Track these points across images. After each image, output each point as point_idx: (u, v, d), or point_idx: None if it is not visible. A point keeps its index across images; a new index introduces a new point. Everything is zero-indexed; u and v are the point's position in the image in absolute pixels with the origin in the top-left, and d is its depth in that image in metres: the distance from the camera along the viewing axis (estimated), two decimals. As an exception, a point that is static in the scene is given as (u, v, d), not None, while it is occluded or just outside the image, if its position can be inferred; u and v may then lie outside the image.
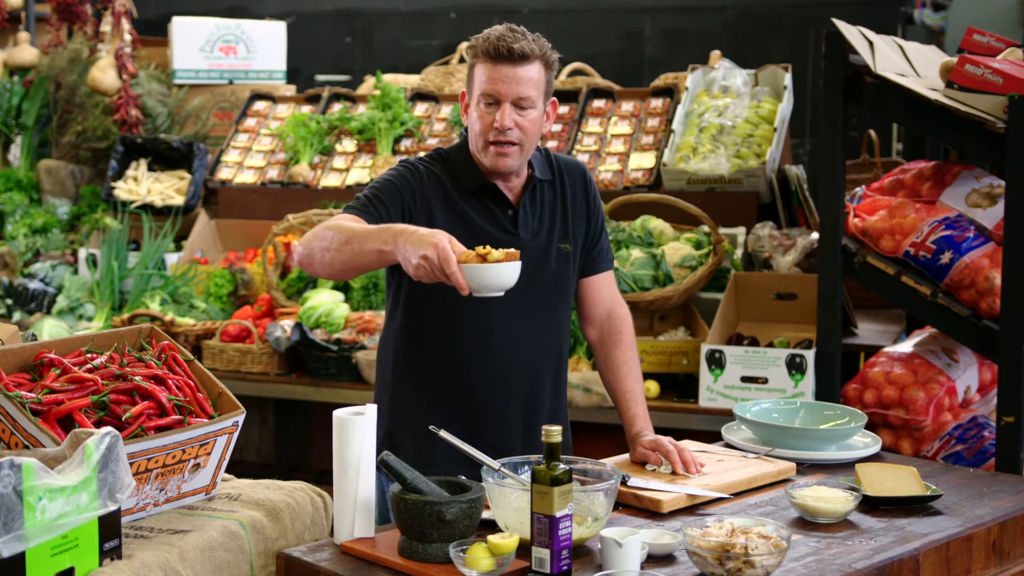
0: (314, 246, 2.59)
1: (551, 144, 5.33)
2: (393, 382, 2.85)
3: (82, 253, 5.49)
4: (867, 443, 2.93)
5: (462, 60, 5.96)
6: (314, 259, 2.60)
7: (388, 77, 6.00)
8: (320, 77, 9.56)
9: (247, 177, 5.79)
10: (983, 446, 3.59)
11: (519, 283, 2.49)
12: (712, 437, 3.01)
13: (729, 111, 5.00)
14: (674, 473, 2.66)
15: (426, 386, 2.80)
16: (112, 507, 2.03)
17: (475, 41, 2.73)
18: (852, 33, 3.62)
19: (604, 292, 2.95)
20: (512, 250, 2.39)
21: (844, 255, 3.72)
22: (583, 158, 5.16)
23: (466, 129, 2.82)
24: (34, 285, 5.41)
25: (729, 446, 2.91)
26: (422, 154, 2.88)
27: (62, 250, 5.70)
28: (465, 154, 2.81)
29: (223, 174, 5.85)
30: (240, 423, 2.41)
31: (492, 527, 2.32)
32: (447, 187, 2.76)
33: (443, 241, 2.37)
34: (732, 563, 2.11)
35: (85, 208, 5.99)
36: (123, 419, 2.29)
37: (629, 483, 2.56)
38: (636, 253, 4.34)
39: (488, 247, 2.37)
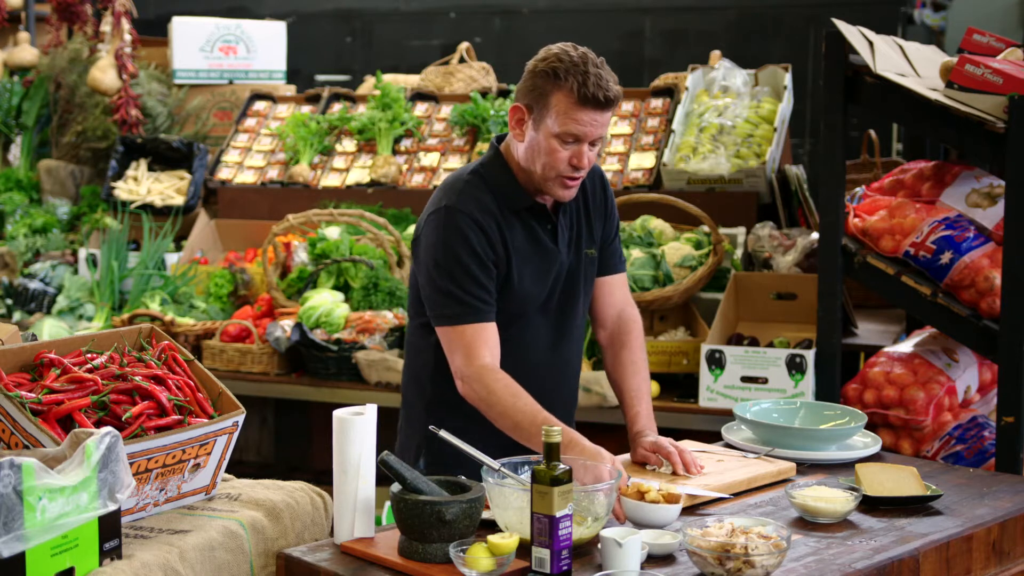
0: (485, 410, 2.65)
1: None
2: (432, 394, 2.85)
3: (82, 253, 5.49)
4: (867, 443, 2.93)
5: (462, 60, 5.96)
6: (488, 417, 2.65)
7: (388, 77, 6.00)
8: (320, 77, 9.55)
9: (247, 177, 5.79)
10: (983, 446, 3.59)
11: (558, 296, 2.70)
12: (712, 437, 3.01)
13: (729, 111, 5.00)
14: (674, 474, 2.66)
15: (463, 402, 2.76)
16: (112, 507, 2.03)
17: (557, 70, 2.62)
18: (852, 33, 3.62)
19: (616, 293, 2.95)
20: (673, 491, 2.39)
21: (844, 255, 3.72)
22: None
23: (498, 139, 2.81)
24: (34, 285, 5.41)
25: (729, 446, 2.91)
26: (466, 176, 2.77)
27: (62, 250, 5.70)
28: (506, 173, 2.76)
29: (223, 174, 5.85)
30: (240, 423, 2.41)
31: (492, 527, 2.32)
32: (494, 210, 2.73)
33: (608, 472, 2.39)
34: (732, 563, 2.11)
35: (85, 208, 5.99)
36: (123, 419, 2.29)
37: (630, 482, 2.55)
38: (636, 253, 4.34)
39: (649, 486, 2.39)
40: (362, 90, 6.24)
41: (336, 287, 4.87)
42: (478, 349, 2.66)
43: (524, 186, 2.75)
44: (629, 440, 2.81)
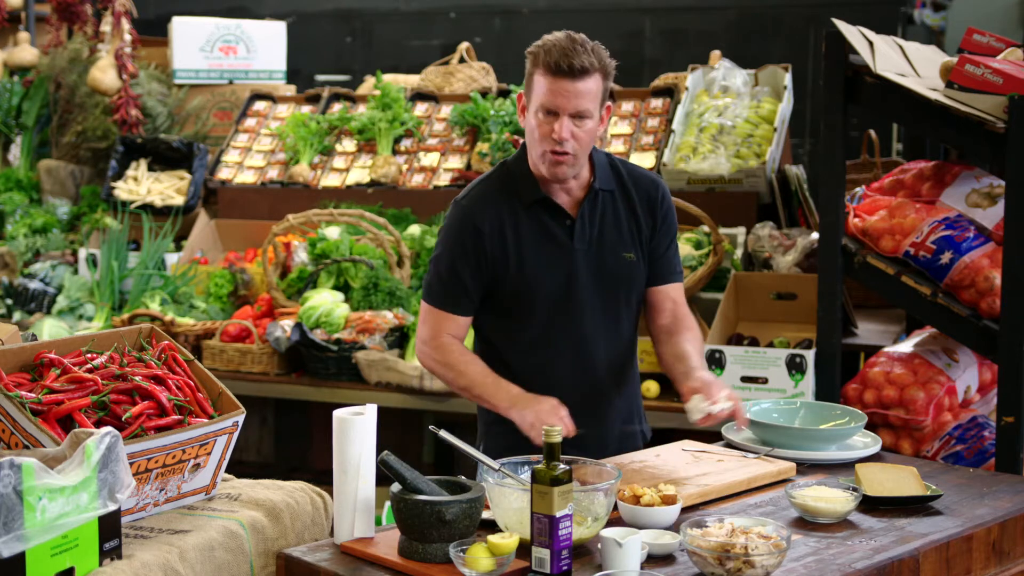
0: (441, 373, 2.93)
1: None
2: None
3: (82, 253, 5.49)
4: (867, 443, 2.93)
5: (462, 60, 5.96)
6: (442, 376, 2.95)
7: (388, 77, 6.00)
8: (320, 77, 9.55)
9: (247, 177, 5.79)
10: (983, 446, 3.59)
11: (585, 291, 2.83)
12: (712, 437, 3.01)
13: (729, 111, 5.00)
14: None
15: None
16: (112, 507, 2.03)
17: (536, 50, 2.78)
18: (852, 33, 3.62)
19: (667, 303, 3.00)
20: (670, 492, 2.42)
21: (844, 255, 3.72)
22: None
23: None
24: (34, 285, 5.41)
25: (730, 446, 2.91)
26: (494, 170, 2.97)
27: (62, 250, 5.70)
28: (524, 166, 2.89)
29: (223, 174, 5.85)
30: (240, 423, 2.41)
31: (492, 527, 2.32)
32: (507, 204, 2.87)
33: (549, 414, 2.71)
34: (732, 563, 2.11)
35: (85, 208, 5.99)
36: (123, 419, 2.29)
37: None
38: (636, 253, 4.34)
39: (644, 490, 2.41)
40: (362, 90, 6.24)
41: (336, 287, 4.87)
42: (442, 332, 2.90)
43: (539, 180, 2.87)
44: (678, 374, 2.87)
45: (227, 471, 2.50)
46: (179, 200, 5.71)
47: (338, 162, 5.67)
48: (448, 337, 2.90)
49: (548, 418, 2.69)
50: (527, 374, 2.88)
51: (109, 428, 2.06)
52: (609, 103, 2.86)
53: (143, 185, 5.83)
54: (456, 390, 2.92)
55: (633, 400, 3.06)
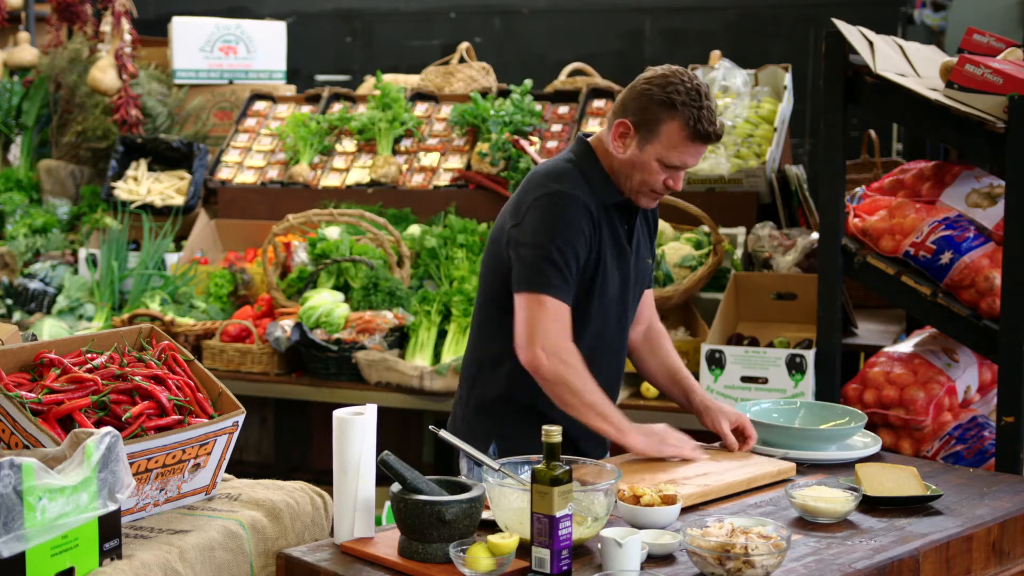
0: (555, 389, 2.72)
1: (551, 144, 5.33)
2: (508, 382, 2.88)
3: (82, 253, 5.49)
4: (867, 443, 2.93)
5: (462, 60, 5.95)
6: (552, 394, 2.74)
7: (388, 77, 6.00)
8: (320, 77, 9.55)
9: (247, 177, 5.79)
10: (983, 446, 3.59)
11: (629, 295, 2.88)
12: (712, 437, 3.01)
13: (729, 111, 5.00)
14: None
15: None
16: (112, 507, 2.03)
17: (676, 99, 2.70)
18: (852, 33, 3.62)
19: (646, 309, 3.08)
20: (670, 492, 2.43)
21: (844, 255, 3.72)
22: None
23: (585, 135, 2.90)
24: (34, 285, 5.41)
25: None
26: (563, 165, 2.85)
27: (62, 250, 5.70)
28: (599, 169, 2.84)
29: (223, 174, 5.85)
30: (240, 423, 2.41)
31: (492, 527, 2.32)
32: (593, 204, 2.80)
33: (672, 444, 2.77)
34: (732, 563, 2.11)
35: (85, 208, 5.99)
36: (123, 419, 2.29)
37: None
38: (636, 253, 4.34)
39: (644, 489, 2.43)
40: (362, 90, 6.24)
41: (336, 287, 4.87)
42: (565, 327, 2.72)
43: (615, 184, 2.85)
44: (695, 408, 2.95)
45: (227, 471, 2.50)
46: (179, 200, 5.71)
47: (338, 162, 5.67)
48: (571, 342, 2.73)
49: (671, 441, 2.76)
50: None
51: (109, 428, 2.06)
52: None
53: (143, 185, 5.83)
54: (579, 405, 2.72)
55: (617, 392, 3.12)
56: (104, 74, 6.04)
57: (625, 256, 2.88)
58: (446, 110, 5.70)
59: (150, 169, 5.96)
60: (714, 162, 4.80)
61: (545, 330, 2.70)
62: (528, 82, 5.57)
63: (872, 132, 5.11)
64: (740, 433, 2.87)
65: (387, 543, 2.29)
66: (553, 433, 2.13)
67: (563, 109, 5.48)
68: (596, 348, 2.86)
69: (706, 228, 4.49)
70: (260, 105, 6.15)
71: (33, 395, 2.24)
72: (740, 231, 4.65)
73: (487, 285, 2.90)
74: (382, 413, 2.47)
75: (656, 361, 3.06)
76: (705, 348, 4.02)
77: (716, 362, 4.00)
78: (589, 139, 2.89)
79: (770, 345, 4.12)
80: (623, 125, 2.76)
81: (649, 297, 3.08)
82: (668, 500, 2.39)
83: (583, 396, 2.70)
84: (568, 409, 2.72)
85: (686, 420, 4.02)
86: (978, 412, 3.74)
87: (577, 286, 2.77)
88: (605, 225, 2.81)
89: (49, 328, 4.90)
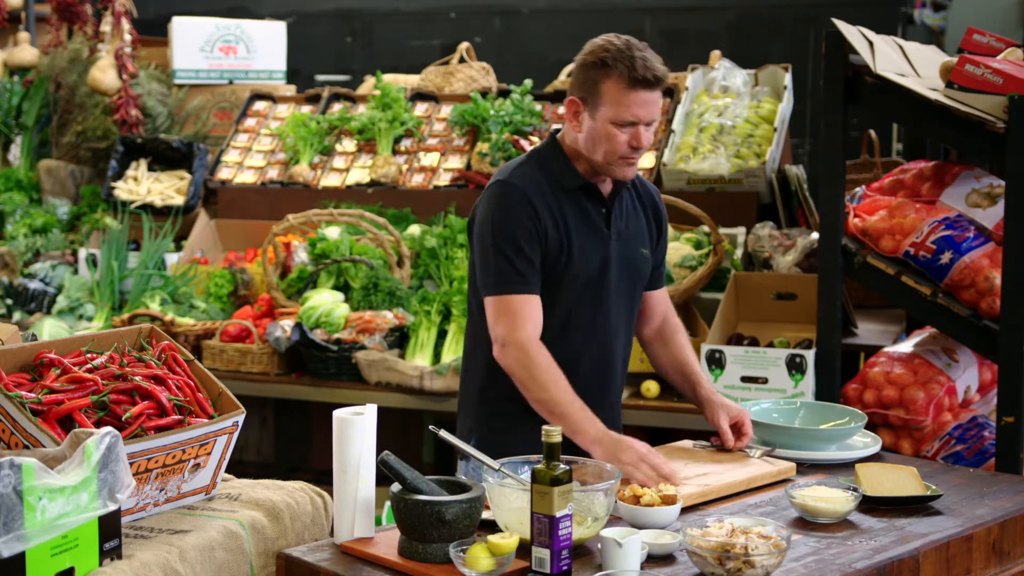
0: (522, 379, 2.74)
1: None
2: (486, 375, 2.91)
3: (82, 253, 5.49)
4: (867, 443, 2.93)
5: (462, 60, 5.95)
6: (524, 393, 2.76)
7: (388, 77, 6.00)
8: (320, 77, 9.55)
9: (247, 177, 5.79)
10: (983, 446, 3.59)
11: (614, 280, 2.84)
12: (712, 436, 3.01)
13: (729, 111, 5.00)
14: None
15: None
16: (112, 507, 2.03)
17: (604, 57, 2.75)
18: (852, 33, 3.62)
19: (660, 305, 3.09)
20: (670, 492, 2.43)
21: (844, 255, 3.72)
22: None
23: (555, 131, 2.94)
24: (34, 285, 5.41)
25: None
26: (523, 157, 2.93)
27: (62, 250, 5.70)
28: (560, 155, 2.88)
29: (223, 174, 5.85)
30: (240, 423, 2.41)
31: (492, 527, 2.32)
32: (545, 189, 2.84)
33: (638, 458, 2.59)
34: (732, 563, 2.11)
35: (85, 208, 5.99)
36: (123, 419, 2.29)
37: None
38: (636, 253, 4.34)
39: (644, 490, 2.43)
40: (362, 90, 6.24)
41: (336, 287, 4.87)
42: (523, 320, 2.75)
43: (577, 168, 2.86)
44: (698, 400, 2.93)
45: (227, 471, 2.50)
46: (179, 200, 5.71)
47: (338, 162, 5.67)
48: (533, 334, 2.75)
49: (641, 468, 2.58)
50: (565, 356, 2.84)
51: (109, 428, 2.06)
52: None
53: (143, 185, 5.83)
54: (532, 400, 2.74)
55: (617, 392, 3.09)
56: (104, 74, 6.04)
57: (602, 239, 2.87)
58: (446, 110, 5.70)
59: (150, 169, 5.96)
60: (714, 162, 4.80)
61: (498, 329, 2.77)
62: (528, 82, 5.57)
63: (872, 132, 5.11)
64: (737, 429, 2.86)
65: (387, 543, 2.29)
66: (553, 433, 2.13)
67: (563, 109, 5.48)
68: (572, 332, 2.86)
69: (706, 228, 4.49)
70: (260, 105, 6.15)
71: (33, 395, 2.24)
72: (740, 231, 4.65)
73: (471, 280, 2.95)
74: (382, 413, 2.47)
75: (667, 355, 3.06)
76: (705, 348, 4.02)
77: (716, 362, 4.00)
78: (557, 135, 2.94)
79: (770, 345, 4.12)
80: (572, 103, 2.81)
81: (662, 294, 3.09)
82: (668, 500, 2.39)
83: (538, 395, 2.72)
84: (542, 412, 2.73)
85: (687, 420, 4.03)
86: (978, 412, 3.74)
87: (543, 269, 2.81)
88: (569, 209, 2.84)
89: (49, 328, 4.90)
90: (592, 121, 2.78)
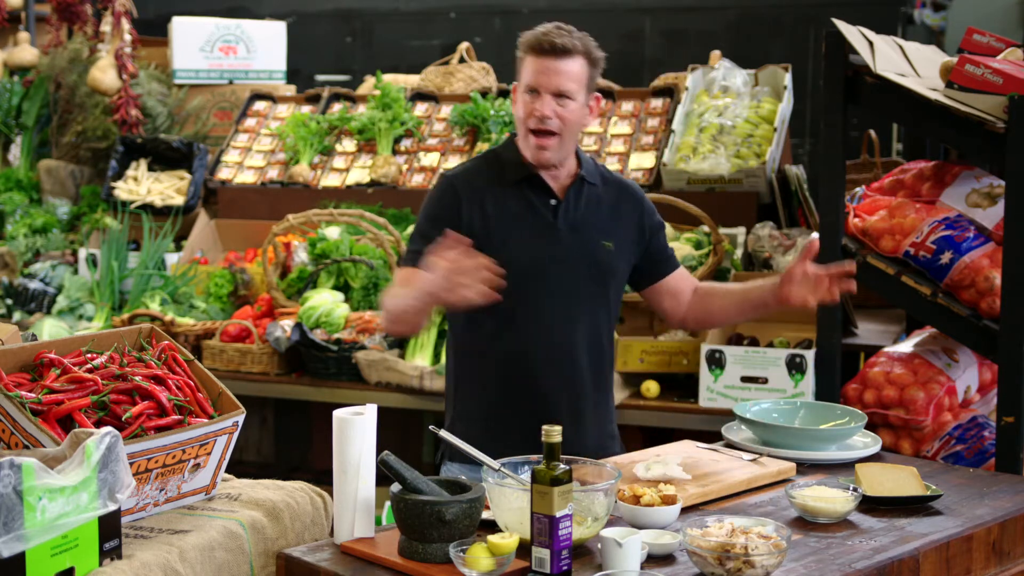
0: (385, 323, 2.93)
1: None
2: (456, 371, 3.04)
3: (82, 253, 5.49)
4: (867, 443, 2.93)
5: (462, 60, 5.95)
6: (392, 331, 2.98)
7: (388, 77, 6.00)
8: (320, 77, 9.55)
9: (247, 177, 5.79)
10: (983, 446, 3.59)
11: (566, 273, 2.87)
12: (712, 437, 3.01)
13: (729, 111, 5.00)
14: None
15: (482, 371, 2.97)
16: (112, 507, 2.03)
17: (524, 36, 2.91)
18: (852, 33, 3.62)
19: (683, 283, 3.10)
20: (670, 492, 2.43)
21: (844, 255, 3.72)
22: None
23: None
24: (34, 285, 5.41)
25: (730, 446, 2.91)
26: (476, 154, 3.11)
27: (62, 250, 5.70)
28: (513, 149, 2.97)
29: (223, 174, 5.85)
30: (240, 423, 2.41)
31: (492, 527, 2.32)
32: (484, 182, 2.94)
33: (436, 276, 2.64)
34: (732, 563, 2.11)
35: (85, 208, 5.99)
36: (123, 419, 2.29)
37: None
38: (636, 253, 4.34)
39: (644, 490, 2.42)
40: (362, 90, 6.24)
41: (336, 287, 4.87)
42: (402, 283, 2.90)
43: (524, 161, 2.94)
44: (773, 292, 2.93)
45: (227, 471, 2.50)
46: (179, 200, 5.71)
47: (338, 162, 5.67)
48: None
49: (444, 275, 2.63)
50: (502, 355, 2.92)
51: (109, 428, 2.06)
52: (598, 94, 2.96)
53: (143, 185, 5.83)
54: (393, 322, 2.88)
55: (611, 406, 3.09)
56: (104, 74, 6.04)
57: (547, 231, 2.91)
58: (446, 110, 5.70)
59: (150, 169, 5.96)
60: (714, 162, 4.80)
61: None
62: (528, 82, 5.56)
63: (872, 132, 5.11)
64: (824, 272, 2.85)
65: (387, 543, 2.29)
66: (553, 433, 2.14)
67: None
68: (519, 323, 2.91)
69: (706, 228, 4.49)
70: (260, 105, 6.16)
71: (33, 395, 2.24)
72: (740, 231, 4.65)
73: None
74: (382, 413, 2.47)
75: (717, 303, 3.05)
76: (705, 348, 4.02)
77: (716, 362, 4.01)
78: None
79: (770, 345, 4.12)
80: (514, 91, 2.94)
81: (681, 273, 3.11)
82: (668, 500, 2.39)
83: (391, 311, 2.85)
84: (396, 326, 2.89)
85: (687, 420, 4.03)
86: (978, 412, 3.74)
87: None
88: (511, 201, 2.91)
89: (49, 328, 4.90)
90: (517, 100, 2.91)
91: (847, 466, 2.79)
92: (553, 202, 2.93)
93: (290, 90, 6.56)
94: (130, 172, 5.91)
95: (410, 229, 5.07)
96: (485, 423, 2.93)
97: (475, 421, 2.96)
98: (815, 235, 4.31)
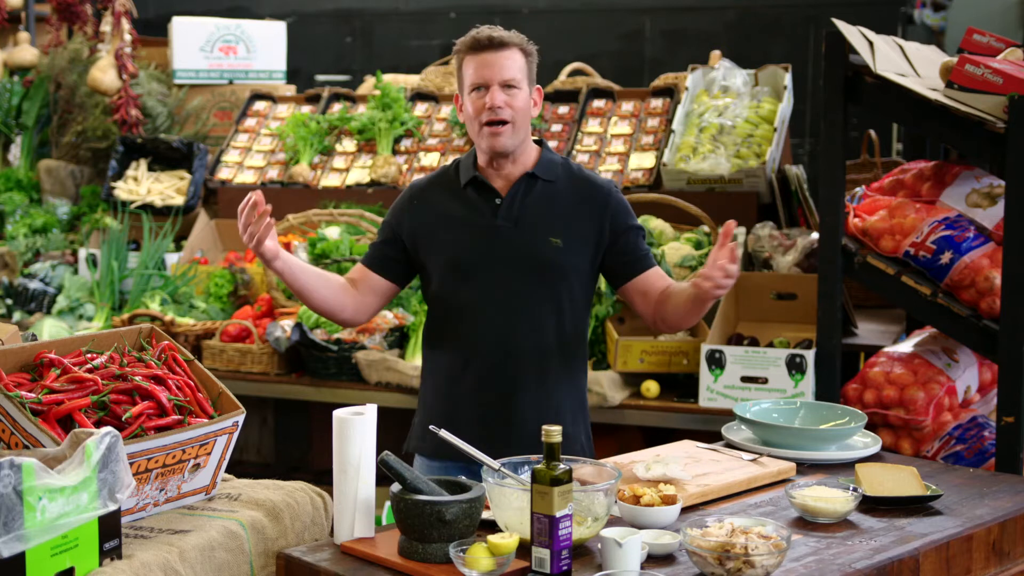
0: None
1: (551, 144, 5.33)
2: (422, 363, 3.18)
3: (82, 253, 5.49)
4: (867, 443, 2.93)
5: (462, 60, 5.95)
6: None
7: (388, 77, 6.00)
8: (320, 77, 9.55)
9: (247, 177, 5.79)
10: (983, 446, 3.59)
11: (507, 269, 2.94)
12: (712, 437, 3.01)
13: (729, 111, 5.00)
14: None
15: (436, 365, 3.11)
16: (112, 507, 2.03)
17: (458, 44, 3.01)
18: (852, 33, 3.62)
19: (658, 283, 3.07)
20: (670, 492, 2.43)
21: (844, 255, 3.72)
22: (583, 158, 5.16)
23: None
24: (34, 285, 5.41)
25: (730, 446, 2.91)
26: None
27: (62, 250, 5.70)
28: (471, 155, 3.07)
29: (223, 174, 5.85)
30: (240, 423, 2.41)
31: (492, 527, 2.32)
32: (438, 187, 3.08)
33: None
34: (732, 563, 2.11)
35: (85, 208, 5.99)
36: (123, 419, 2.29)
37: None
38: (636, 253, 4.34)
39: (644, 490, 2.42)
40: (362, 90, 6.24)
41: (336, 287, 4.87)
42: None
43: (474, 163, 3.04)
44: (692, 294, 2.90)
45: (227, 471, 2.50)
46: (179, 200, 5.71)
47: (338, 162, 5.67)
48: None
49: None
50: (449, 348, 3.03)
51: (109, 428, 2.06)
52: (539, 87, 3.05)
53: (143, 185, 5.83)
54: (304, 302, 3.03)
55: (565, 403, 3.04)
56: (104, 74, 6.04)
57: (486, 230, 2.98)
58: (446, 110, 5.70)
59: (150, 169, 5.95)
60: (714, 162, 4.80)
61: None
62: (528, 82, 5.56)
63: (872, 132, 5.11)
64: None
65: (387, 543, 2.29)
66: (553, 433, 2.14)
67: (563, 109, 5.48)
68: (466, 318, 2.99)
69: (706, 228, 4.49)
70: (260, 105, 6.16)
71: (33, 395, 2.24)
72: (740, 231, 4.65)
73: None
74: (382, 413, 2.48)
75: (671, 303, 3.01)
76: (705, 348, 4.02)
77: (716, 362, 4.01)
78: None
79: (770, 345, 4.12)
80: (456, 100, 3.04)
81: (656, 273, 3.06)
82: (668, 500, 2.39)
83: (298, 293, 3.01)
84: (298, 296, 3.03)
85: (687, 420, 4.03)
86: (978, 412, 3.74)
87: (416, 259, 3.06)
88: (457, 203, 3.01)
89: (49, 328, 4.90)
90: (464, 104, 2.97)
91: (847, 466, 2.79)
92: (498, 201, 3.00)
93: (290, 90, 6.56)
94: (130, 172, 5.91)
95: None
96: (430, 412, 3.07)
97: (427, 409, 3.11)
98: (815, 234, 4.31)
